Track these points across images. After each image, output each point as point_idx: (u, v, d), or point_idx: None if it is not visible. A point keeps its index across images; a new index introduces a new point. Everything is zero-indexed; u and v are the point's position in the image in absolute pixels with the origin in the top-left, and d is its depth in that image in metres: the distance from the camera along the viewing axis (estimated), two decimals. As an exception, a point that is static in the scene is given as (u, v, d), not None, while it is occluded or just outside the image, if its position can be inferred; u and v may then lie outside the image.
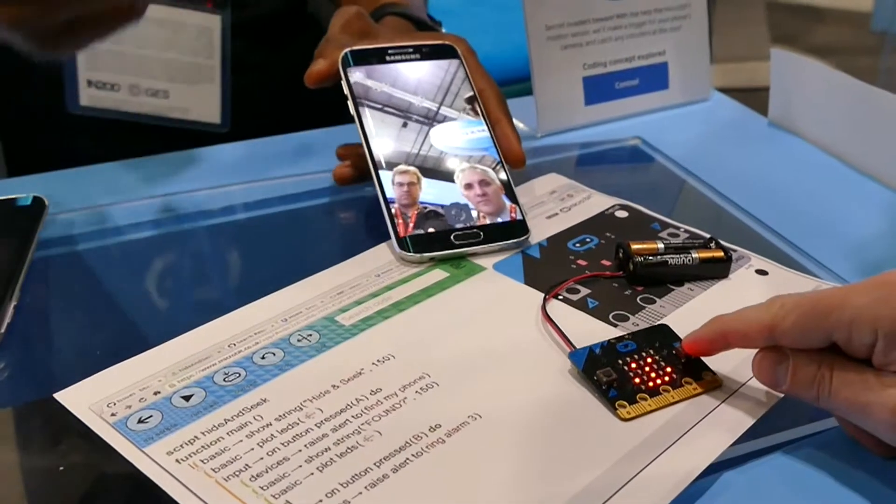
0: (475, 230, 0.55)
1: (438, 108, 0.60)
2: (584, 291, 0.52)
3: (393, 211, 0.55)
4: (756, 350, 0.42)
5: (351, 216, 0.65)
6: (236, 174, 0.68)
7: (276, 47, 0.87)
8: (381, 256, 0.55)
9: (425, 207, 0.55)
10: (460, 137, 0.59)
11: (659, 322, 0.48)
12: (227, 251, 0.61)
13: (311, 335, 0.48)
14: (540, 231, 0.58)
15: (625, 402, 0.42)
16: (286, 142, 0.74)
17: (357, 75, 0.59)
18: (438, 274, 0.53)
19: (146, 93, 0.73)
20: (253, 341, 0.47)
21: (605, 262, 0.54)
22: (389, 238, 0.54)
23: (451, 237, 0.54)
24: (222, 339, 0.47)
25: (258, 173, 0.68)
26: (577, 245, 0.56)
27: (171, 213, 0.63)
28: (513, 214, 0.56)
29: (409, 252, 0.53)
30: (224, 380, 0.44)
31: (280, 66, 0.86)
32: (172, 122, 0.74)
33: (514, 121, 0.62)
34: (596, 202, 0.62)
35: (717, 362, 0.45)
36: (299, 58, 0.68)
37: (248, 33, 0.81)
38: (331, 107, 0.70)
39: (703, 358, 0.44)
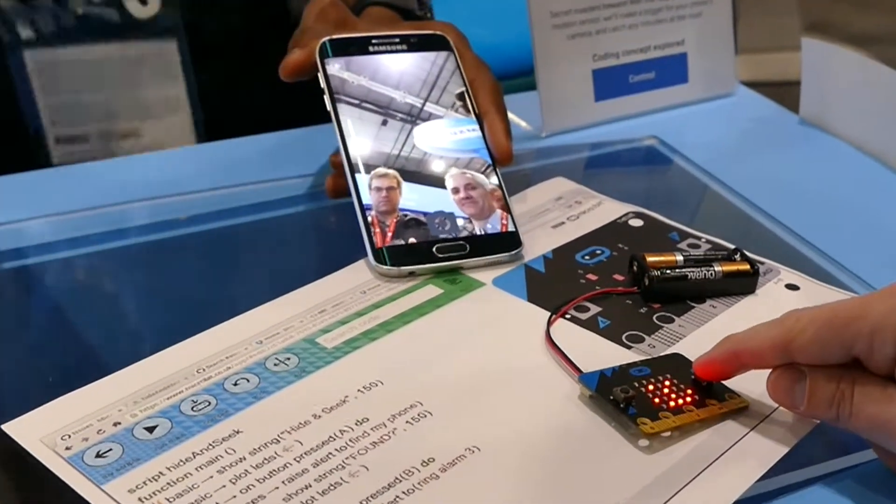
0: (461, 242, 0.56)
1: (423, 105, 0.61)
2: (595, 309, 0.52)
3: (369, 219, 0.55)
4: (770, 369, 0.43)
5: (332, 226, 0.65)
6: (202, 179, 0.68)
7: (243, 56, 0.88)
8: (366, 271, 0.55)
9: (405, 215, 0.56)
10: (447, 137, 0.60)
11: (673, 349, 0.49)
12: (193, 266, 0.62)
13: (289, 359, 0.48)
14: (545, 242, 0.58)
15: (646, 419, 0.43)
16: (257, 143, 0.74)
17: (335, 67, 0.60)
18: (431, 290, 0.54)
19: (117, 137, 0.75)
20: (224, 366, 0.47)
21: (618, 277, 0.55)
22: (370, 250, 0.55)
23: (434, 249, 0.55)
24: (190, 363, 0.47)
25: (227, 178, 0.68)
26: (587, 257, 0.57)
27: (131, 224, 0.64)
28: (504, 223, 0.57)
29: (386, 265, 0.54)
30: (192, 409, 0.45)
31: (247, 61, 0.87)
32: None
33: (515, 118, 0.63)
34: (607, 209, 0.62)
35: (744, 386, 0.45)
36: (269, 54, 0.69)
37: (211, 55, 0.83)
38: (307, 102, 0.71)
39: (726, 383, 0.45)
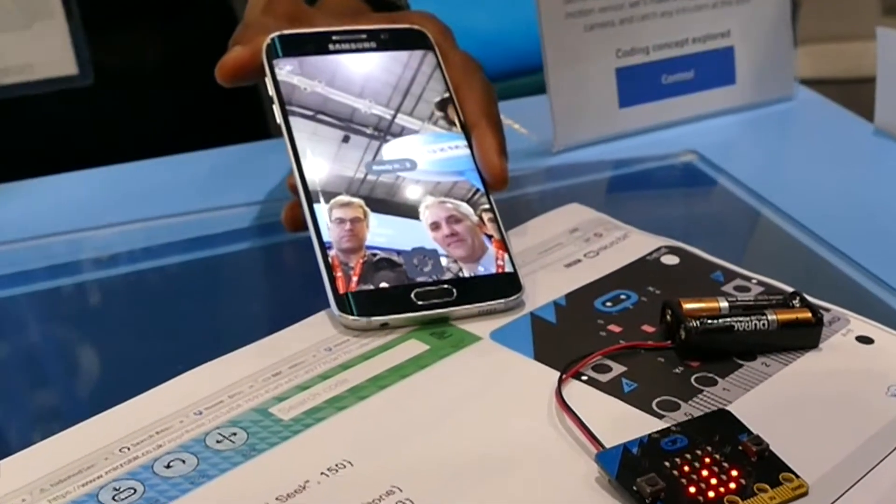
0: (446, 286, 0.56)
1: (394, 117, 0.61)
2: (618, 369, 0.53)
3: (330, 259, 0.56)
4: None
5: (290, 266, 0.66)
6: (126, 209, 0.69)
7: (161, 23, 0.88)
8: (331, 323, 0.56)
9: (374, 254, 0.57)
10: (424, 157, 0.61)
11: (718, 409, 0.49)
12: (115, 317, 0.62)
13: (235, 434, 0.48)
14: (556, 285, 0.59)
15: (677, 522, 0.43)
16: (194, 162, 0.75)
17: (287, 70, 0.61)
18: (415, 346, 0.54)
19: None
20: (154, 443, 0.48)
21: (647, 328, 0.56)
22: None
23: (413, 295, 0.55)
24: (111, 440, 0.48)
25: (157, 207, 0.69)
26: (609, 304, 0.58)
27: (36, 265, 0.64)
28: (500, 263, 0.58)
29: (352, 315, 0.54)
30: (113, 498, 0.45)
31: (175, 53, 0.88)
32: (12, 92, 0.75)
33: (520, 129, 0.63)
34: (634, 244, 0.63)
35: (802, 462, 0.46)
36: (200, 43, 0.69)
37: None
38: (252, 113, 0.72)
39: (784, 459, 0.46)
